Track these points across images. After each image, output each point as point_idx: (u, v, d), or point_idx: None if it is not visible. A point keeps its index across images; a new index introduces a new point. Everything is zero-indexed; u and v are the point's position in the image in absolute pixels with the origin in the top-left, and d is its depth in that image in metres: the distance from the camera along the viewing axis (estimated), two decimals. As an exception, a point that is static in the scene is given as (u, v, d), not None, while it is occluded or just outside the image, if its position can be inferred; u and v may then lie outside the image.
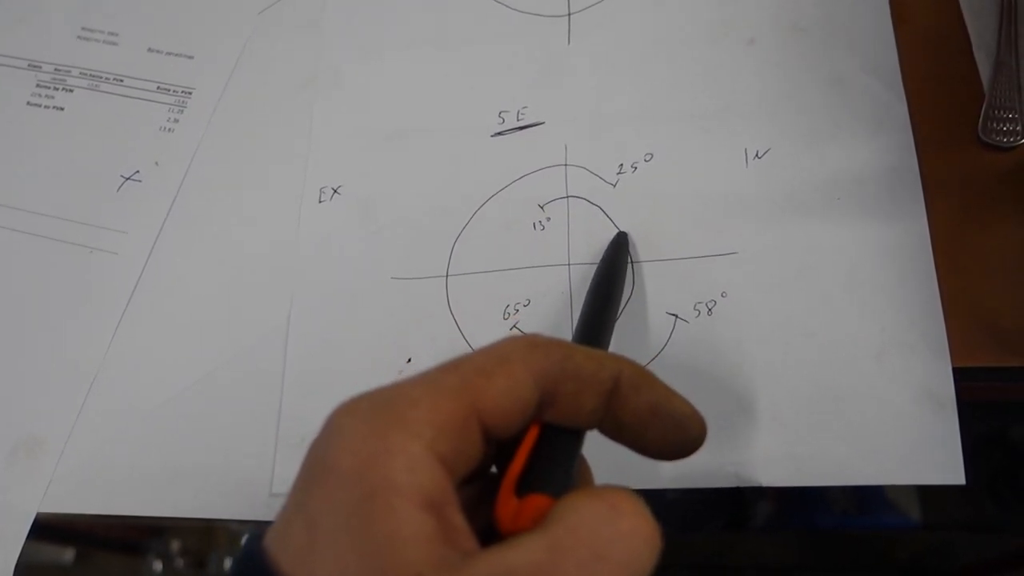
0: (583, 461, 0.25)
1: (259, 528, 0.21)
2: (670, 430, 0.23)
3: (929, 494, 0.34)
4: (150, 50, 0.49)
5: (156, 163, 0.45)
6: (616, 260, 0.37)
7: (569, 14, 0.45)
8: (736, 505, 0.36)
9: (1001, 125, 0.38)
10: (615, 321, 0.33)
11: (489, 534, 0.20)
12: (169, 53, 0.49)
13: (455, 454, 0.20)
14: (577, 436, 0.23)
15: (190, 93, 0.47)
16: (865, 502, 0.35)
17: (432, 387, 0.21)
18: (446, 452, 0.20)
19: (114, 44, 0.49)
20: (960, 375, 0.34)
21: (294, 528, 0.19)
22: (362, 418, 0.20)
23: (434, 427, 0.20)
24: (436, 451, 0.19)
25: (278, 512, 0.20)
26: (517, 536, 0.19)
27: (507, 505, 0.21)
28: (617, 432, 0.23)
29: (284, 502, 0.20)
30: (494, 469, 0.24)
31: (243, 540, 0.21)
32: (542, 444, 0.22)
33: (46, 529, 0.39)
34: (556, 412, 0.22)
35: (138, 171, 0.45)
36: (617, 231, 0.39)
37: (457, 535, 0.19)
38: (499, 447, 0.22)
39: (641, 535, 0.19)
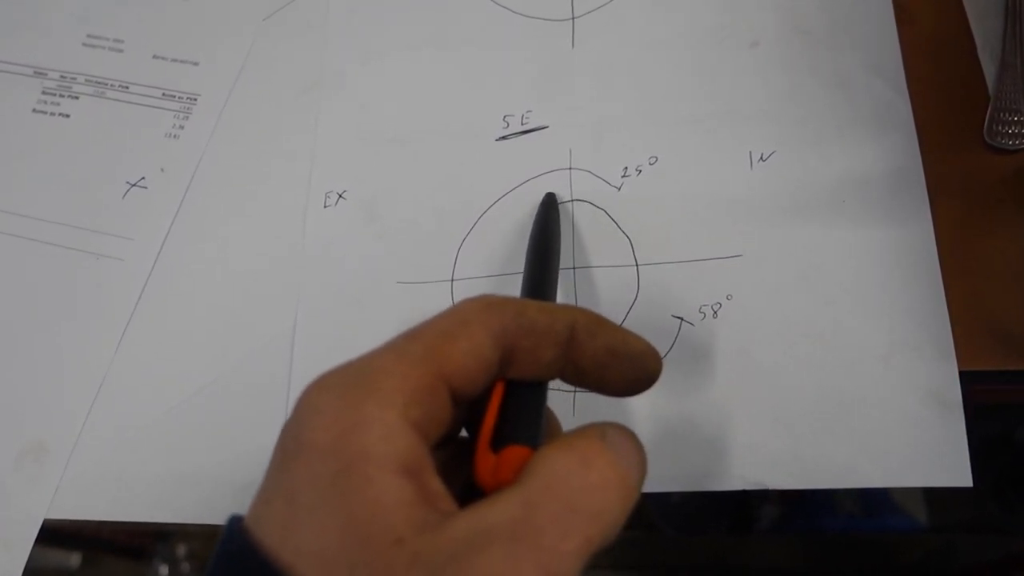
0: (549, 411, 0.25)
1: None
2: (629, 368, 0.24)
3: (934, 497, 0.34)
4: (155, 57, 0.49)
5: (162, 169, 0.46)
6: (546, 217, 0.37)
7: (573, 18, 0.45)
8: (741, 508, 0.36)
9: (1006, 128, 0.37)
10: (557, 274, 0.34)
11: (467, 495, 0.21)
12: (174, 60, 0.49)
13: (427, 419, 0.21)
14: (541, 387, 0.24)
15: (195, 99, 0.47)
16: (870, 505, 0.35)
17: (399, 356, 0.21)
18: (419, 418, 0.20)
19: (119, 51, 0.49)
20: (966, 378, 0.34)
21: (275, 506, 0.19)
22: (335, 393, 0.20)
23: (405, 395, 0.20)
24: (409, 418, 0.20)
25: (256, 492, 0.21)
26: (492, 494, 0.19)
27: (485, 461, 0.22)
28: (578, 378, 0.24)
29: (262, 483, 0.21)
30: (464, 433, 0.24)
31: (224, 525, 0.21)
32: (509, 399, 0.23)
33: (53, 534, 0.39)
34: (518, 367, 0.23)
35: (144, 177, 0.46)
36: (545, 193, 0.40)
37: (435, 498, 0.19)
38: (468, 410, 0.23)
39: (611, 483, 0.20)
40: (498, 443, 0.22)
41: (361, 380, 0.20)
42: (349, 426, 0.19)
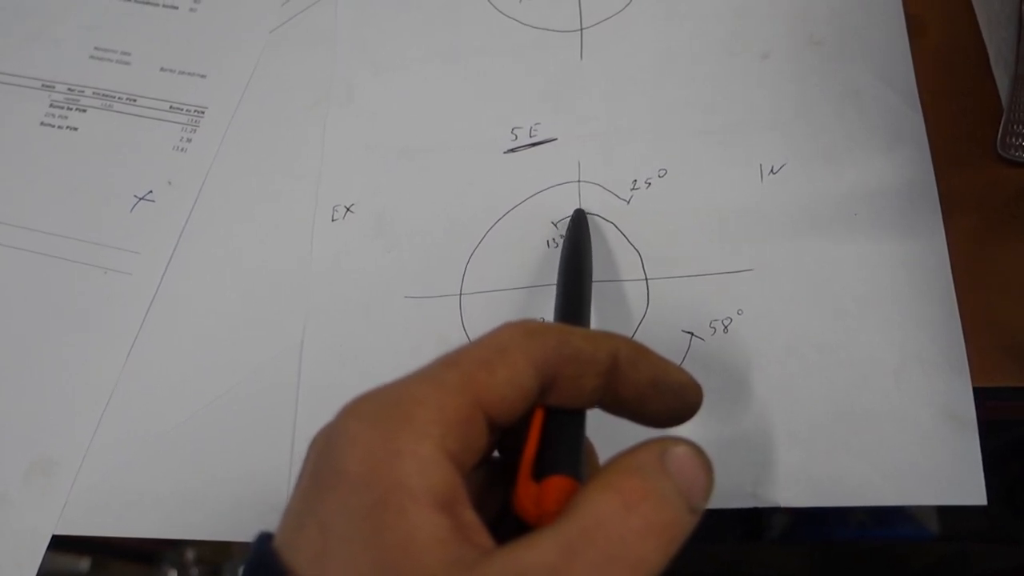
0: (587, 439, 0.25)
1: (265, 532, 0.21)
2: (669, 400, 0.24)
3: (946, 507, 0.34)
4: (162, 69, 0.49)
5: (169, 183, 0.46)
6: (578, 236, 0.37)
7: (581, 29, 0.45)
8: (752, 517, 0.35)
9: (1020, 140, 0.37)
10: (591, 296, 0.33)
11: (499, 523, 0.21)
12: (181, 72, 0.49)
13: (463, 449, 0.20)
14: (580, 415, 0.24)
15: (203, 112, 0.47)
16: (881, 514, 0.35)
17: (436, 385, 0.21)
18: (455, 449, 0.20)
19: (127, 64, 0.50)
20: (980, 394, 0.34)
21: (307, 532, 0.19)
22: (369, 421, 0.20)
23: (441, 425, 0.20)
24: (445, 449, 0.20)
25: (284, 514, 0.20)
26: (529, 535, 0.19)
27: (527, 491, 0.21)
28: (618, 407, 0.24)
29: (289, 504, 0.21)
30: (496, 454, 0.24)
31: (253, 542, 0.21)
32: (548, 427, 0.23)
33: (62, 539, 0.39)
34: (558, 395, 0.23)
35: (151, 191, 0.45)
36: (575, 208, 0.40)
37: (470, 532, 0.19)
38: (502, 433, 0.23)
39: (654, 531, 0.19)
40: (540, 473, 0.21)
41: (396, 409, 0.20)
42: (384, 457, 0.19)
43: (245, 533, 0.38)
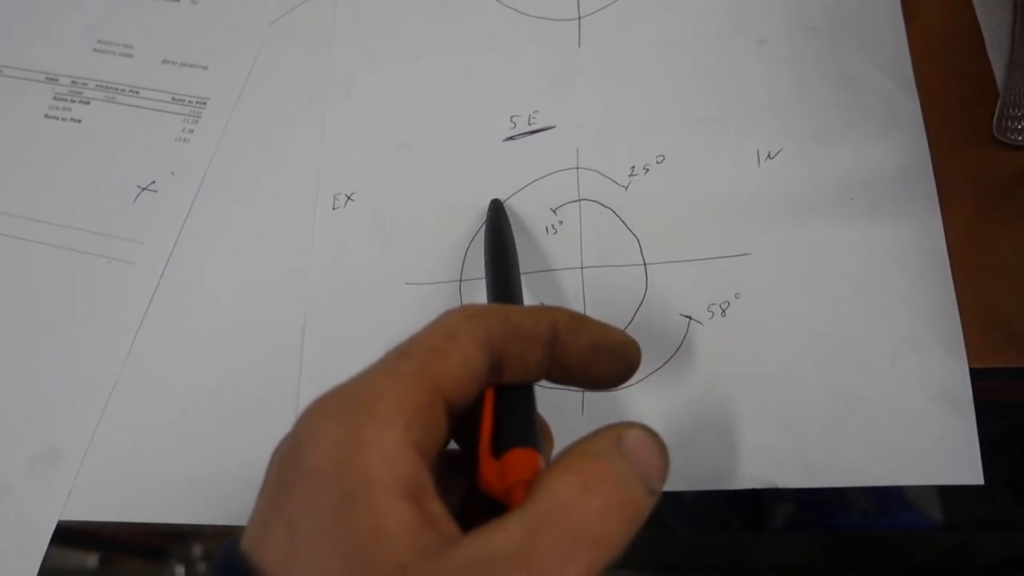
0: (539, 416, 0.26)
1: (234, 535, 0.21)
2: (612, 361, 0.24)
3: (948, 494, 0.34)
4: (164, 61, 0.49)
5: (172, 173, 0.46)
6: (498, 223, 0.38)
7: (579, 17, 0.45)
8: (754, 507, 0.35)
9: (1016, 123, 0.37)
10: (520, 277, 0.34)
11: (464, 507, 0.21)
12: (183, 64, 0.49)
13: (426, 437, 0.21)
14: (529, 390, 0.24)
15: (205, 103, 0.48)
16: (884, 502, 0.35)
17: (394, 376, 0.21)
18: (418, 437, 0.20)
19: (129, 56, 0.50)
20: (976, 376, 0.34)
21: (273, 533, 0.19)
22: (333, 417, 0.20)
23: (404, 415, 0.20)
24: (410, 439, 0.20)
25: (250, 520, 0.21)
26: (494, 521, 0.19)
27: (490, 468, 0.22)
28: (564, 376, 0.24)
29: (254, 509, 0.21)
30: (453, 445, 0.24)
31: (220, 548, 0.21)
32: (500, 405, 0.23)
33: (70, 535, 0.39)
34: (506, 373, 0.23)
35: (154, 181, 0.46)
36: (490, 200, 0.41)
37: (437, 521, 0.19)
38: (456, 421, 0.23)
39: (614, 509, 0.19)
40: (499, 448, 0.22)
41: (359, 404, 0.20)
42: (350, 451, 0.19)
43: (247, 518, 0.38)
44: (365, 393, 0.21)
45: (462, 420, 0.23)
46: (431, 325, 0.23)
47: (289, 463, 0.20)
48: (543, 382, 0.25)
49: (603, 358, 0.24)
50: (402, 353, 0.22)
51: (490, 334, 0.22)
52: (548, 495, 0.19)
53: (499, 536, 0.19)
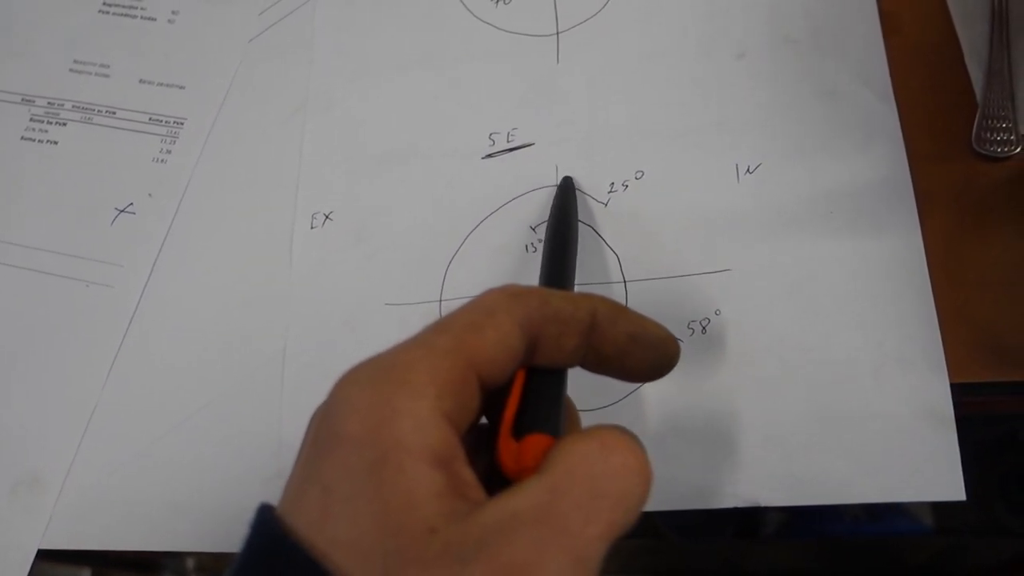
0: (568, 400, 0.26)
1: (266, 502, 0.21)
2: (649, 354, 0.25)
3: (939, 501, 0.34)
4: (141, 81, 0.49)
5: (150, 195, 0.46)
6: (565, 203, 0.38)
7: (558, 33, 0.45)
8: (747, 514, 0.35)
9: (995, 135, 0.37)
10: (575, 261, 0.34)
11: (490, 480, 0.21)
12: (160, 84, 0.49)
13: (458, 409, 0.21)
14: (561, 375, 0.25)
15: (182, 123, 0.47)
16: (876, 509, 0.35)
17: (428, 349, 0.21)
18: (450, 409, 0.21)
19: (106, 76, 0.50)
20: (958, 390, 0.34)
21: (309, 496, 0.20)
22: (366, 385, 0.21)
23: (436, 386, 0.21)
24: (441, 409, 0.20)
25: (287, 484, 0.21)
26: (519, 483, 0.20)
27: (508, 448, 0.22)
28: (599, 365, 0.25)
29: (292, 473, 0.21)
30: (484, 420, 0.25)
31: (254, 514, 0.22)
32: (530, 387, 0.23)
33: (61, 549, 0.39)
34: (541, 355, 0.24)
35: (132, 203, 0.45)
36: (563, 177, 0.40)
37: (466, 487, 0.20)
38: (489, 397, 0.23)
39: (632, 468, 0.20)
40: (519, 431, 0.22)
41: (391, 373, 0.21)
42: (383, 418, 0.20)
43: (230, 544, 0.37)
44: (398, 363, 0.21)
45: (495, 397, 0.23)
46: (472, 302, 0.23)
47: (324, 429, 0.21)
48: (577, 369, 0.25)
49: (640, 350, 0.24)
50: (439, 328, 0.22)
51: (529, 315, 0.23)
52: (568, 457, 0.20)
53: (522, 497, 0.19)
